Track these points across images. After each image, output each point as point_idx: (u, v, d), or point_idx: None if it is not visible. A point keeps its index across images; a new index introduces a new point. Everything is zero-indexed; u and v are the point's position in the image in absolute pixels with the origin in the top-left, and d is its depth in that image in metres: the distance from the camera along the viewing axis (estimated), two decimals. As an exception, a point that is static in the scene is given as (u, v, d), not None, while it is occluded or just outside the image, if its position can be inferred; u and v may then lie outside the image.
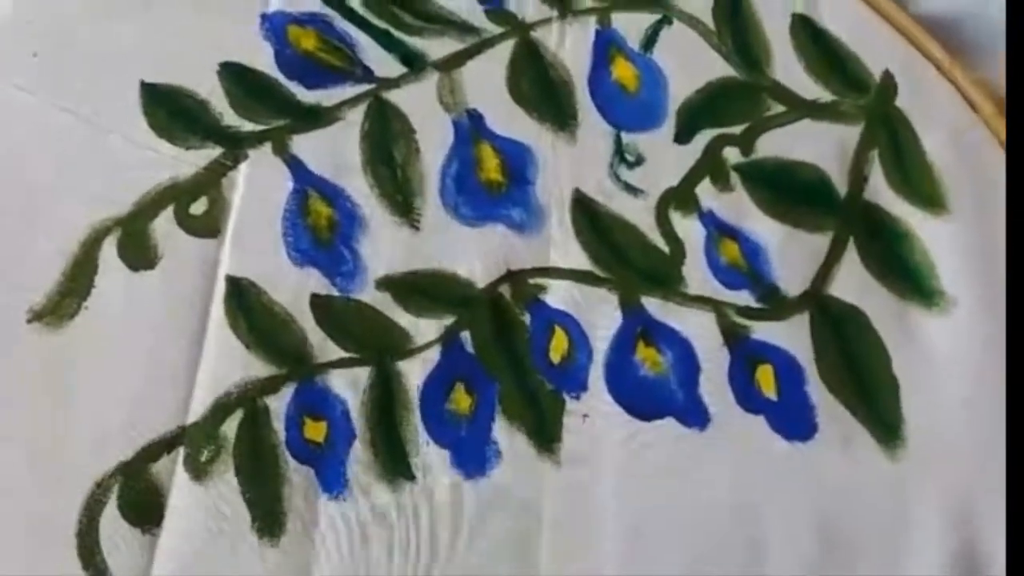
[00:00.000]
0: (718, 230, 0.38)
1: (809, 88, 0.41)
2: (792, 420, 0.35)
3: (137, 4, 0.41)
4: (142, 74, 0.39)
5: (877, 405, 0.36)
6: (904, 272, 0.38)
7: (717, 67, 0.41)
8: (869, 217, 0.38)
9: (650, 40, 0.41)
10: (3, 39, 0.40)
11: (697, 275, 0.37)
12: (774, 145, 0.40)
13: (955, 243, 0.38)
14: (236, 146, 0.38)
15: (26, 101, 0.38)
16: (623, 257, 0.38)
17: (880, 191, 0.39)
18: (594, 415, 0.35)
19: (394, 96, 0.39)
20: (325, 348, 0.36)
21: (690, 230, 0.38)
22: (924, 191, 0.39)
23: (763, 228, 0.38)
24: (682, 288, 0.37)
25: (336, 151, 0.38)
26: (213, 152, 0.38)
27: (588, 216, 0.38)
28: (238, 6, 0.41)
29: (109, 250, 0.36)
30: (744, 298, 0.37)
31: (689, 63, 0.41)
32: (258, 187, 0.38)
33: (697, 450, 0.35)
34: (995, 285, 0.37)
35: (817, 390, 0.36)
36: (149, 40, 0.40)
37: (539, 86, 0.40)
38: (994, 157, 0.40)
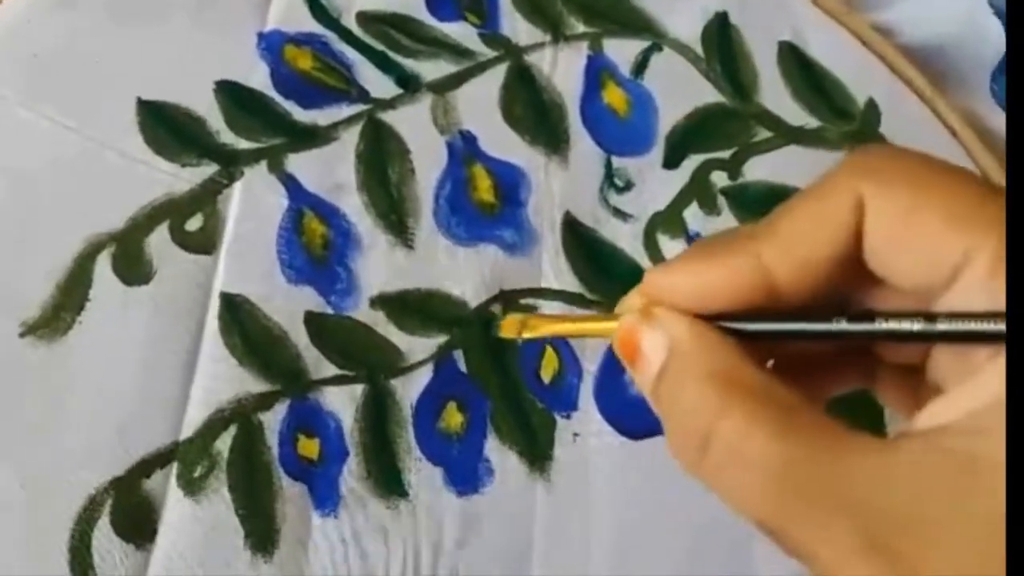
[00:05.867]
0: (706, 253, 0.39)
1: (796, 114, 0.41)
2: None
3: (133, 20, 0.41)
4: (139, 90, 0.39)
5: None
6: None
7: (706, 93, 0.42)
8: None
9: (640, 66, 0.42)
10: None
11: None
12: (761, 170, 0.40)
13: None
14: (232, 164, 0.39)
15: (21, 115, 0.38)
16: (612, 280, 0.38)
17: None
18: (585, 434, 0.36)
19: (389, 117, 0.40)
20: (319, 365, 0.36)
21: (677, 252, 0.39)
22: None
23: (749, 251, 0.39)
24: (670, 310, 0.38)
25: (331, 170, 0.39)
26: (209, 169, 0.38)
27: (578, 239, 0.39)
28: (235, 24, 0.41)
29: (103, 265, 0.36)
30: (731, 320, 0.38)
31: (678, 89, 0.41)
32: (253, 205, 0.38)
33: (685, 469, 0.36)
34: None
35: (801, 410, 0.37)
36: (146, 56, 0.40)
37: (532, 109, 0.41)
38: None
